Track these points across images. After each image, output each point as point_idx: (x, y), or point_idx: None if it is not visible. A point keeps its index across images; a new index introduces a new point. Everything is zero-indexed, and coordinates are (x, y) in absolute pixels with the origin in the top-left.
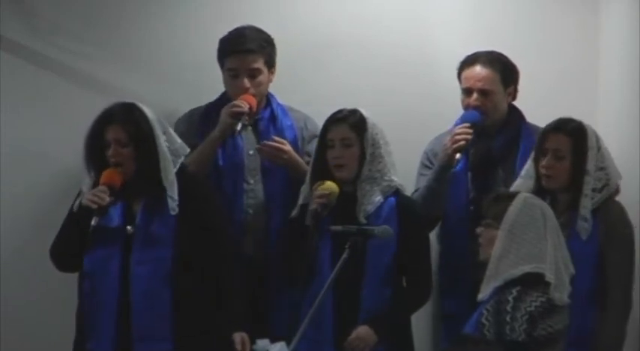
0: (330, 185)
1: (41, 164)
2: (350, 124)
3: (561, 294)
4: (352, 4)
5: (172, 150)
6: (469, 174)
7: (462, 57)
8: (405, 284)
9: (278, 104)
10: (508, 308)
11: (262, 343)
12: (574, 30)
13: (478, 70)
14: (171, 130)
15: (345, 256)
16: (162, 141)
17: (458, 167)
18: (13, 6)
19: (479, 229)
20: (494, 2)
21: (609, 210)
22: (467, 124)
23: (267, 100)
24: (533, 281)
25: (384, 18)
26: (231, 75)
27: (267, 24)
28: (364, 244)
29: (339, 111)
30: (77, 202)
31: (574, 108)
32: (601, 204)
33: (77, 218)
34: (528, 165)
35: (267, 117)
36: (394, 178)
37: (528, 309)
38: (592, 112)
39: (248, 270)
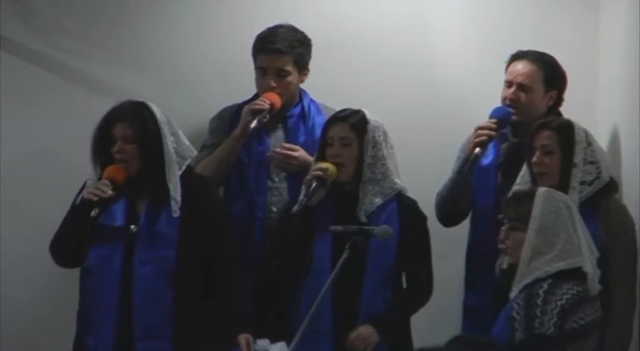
0: (329, 164)
1: (41, 164)
2: (350, 124)
3: (595, 283)
4: (352, 5)
5: (179, 151)
6: (498, 169)
7: (461, 57)
8: (405, 285)
9: (311, 101)
10: (539, 302)
11: (262, 343)
12: (574, 29)
13: (523, 64)
14: (181, 132)
15: (345, 256)
16: (169, 142)
17: (487, 162)
18: (13, 6)
19: (502, 234)
20: (494, 2)
21: (609, 209)
22: (493, 120)
23: (300, 96)
24: (566, 274)
25: (383, 18)
26: (260, 73)
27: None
28: (364, 244)
29: (342, 110)
30: (80, 197)
31: (574, 106)
32: (600, 203)
33: (78, 212)
34: (523, 171)
35: (297, 114)
36: (397, 180)
37: (559, 302)
38: (592, 110)
39: (267, 269)
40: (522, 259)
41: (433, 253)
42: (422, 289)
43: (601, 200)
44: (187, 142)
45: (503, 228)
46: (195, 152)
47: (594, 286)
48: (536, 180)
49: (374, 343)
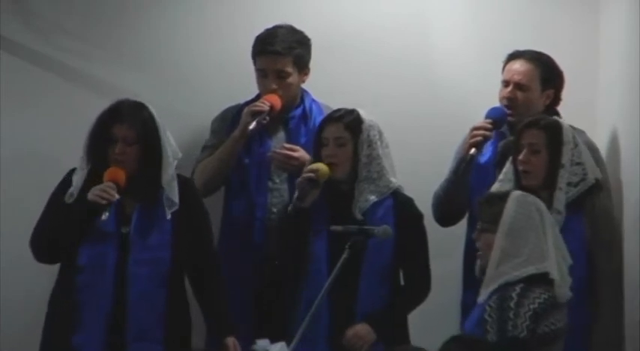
0: (320, 165)
1: (41, 164)
2: (345, 124)
3: (564, 290)
4: (352, 5)
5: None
6: (496, 167)
7: (461, 57)
8: (402, 283)
9: (313, 101)
10: (512, 305)
11: (262, 343)
12: (574, 29)
13: (520, 63)
14: (169, 133)
15: (345, 255)
16: (166, 143)
17: (484, 160)
18: (13, 6)
19: (474, 235)
20: (494, 2)
21: (594, 207)
22: (488, 120)
23: (301, 97)
24: (535, 279)
25: (383, 18)
26: (261, 75)
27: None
28: (364, 244)
29: (337, 110)
30: (69, 194)
31: (574, 106)
32: (586, 201)
33: (80, 212)
34: (507, 168)
35: (298, 115)
36: (392, 179)
37: (532, 306)
38: (592, 110)
39: (267, 270)
40: (491, 262)
41: (431, 252)
42: (419, 287)
43: (586, 200)
44: (174, 144)
45: (476, 229)
46: (180, 154)
47: (563, 292)
48: (520, 178)
49: (371, 342)
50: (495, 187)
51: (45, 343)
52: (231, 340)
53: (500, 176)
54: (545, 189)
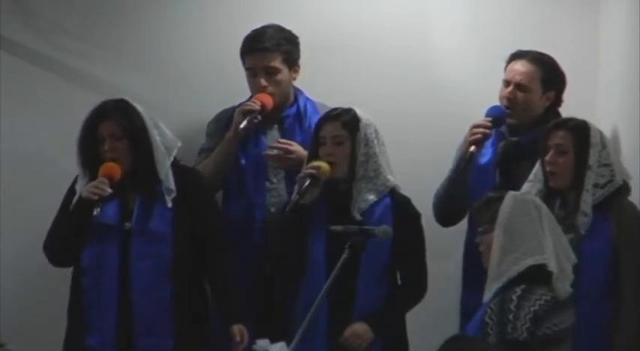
0: (322, 162)
1: (41, 164)
2: (342, 122)
3: (564, 284)
4: (352, 5)
5: (164, 143)
6: (496, 167)
7: (461, 57)
8: (399, 282)
9: (307, 100)
10: (512, 307)
11: (262, 343)
12: (574, 29)
13: (521, 64)
14: (162, 124)
15: (345, 255)
16: (154, 134)
17: (485, 160)
18: (13, 6)
19: (477, 239)
20: (494, 2)
21: (622, 208)
22: (488, 118)
23: (295, 96)
24: (537, 278)
25: (383, 18)
26: (250, 74)
27: None
28: (364, 244)
29: (334, 109)
30: (73, 204)
31: (574, 106)
32: (613, 203)
33: (78, 211)
34: (536, 168)
35: (293, 114)
36: (389, 177)
37: (532, 308)
38: (592, 110)
39: (267, 269)
40: (492, 260)
41: (431, 253)
42: (416, 287)
43: (614, 201)
44: (170, 134)
45: (478, 233)
46: (180, 143)
47: (562, 288)
48: (548, 180)
49: (368, 341)
50: (525, 188)
51: (65, 345)
52: (236, 328)
53: (530, 176)
54: (572, 190)
